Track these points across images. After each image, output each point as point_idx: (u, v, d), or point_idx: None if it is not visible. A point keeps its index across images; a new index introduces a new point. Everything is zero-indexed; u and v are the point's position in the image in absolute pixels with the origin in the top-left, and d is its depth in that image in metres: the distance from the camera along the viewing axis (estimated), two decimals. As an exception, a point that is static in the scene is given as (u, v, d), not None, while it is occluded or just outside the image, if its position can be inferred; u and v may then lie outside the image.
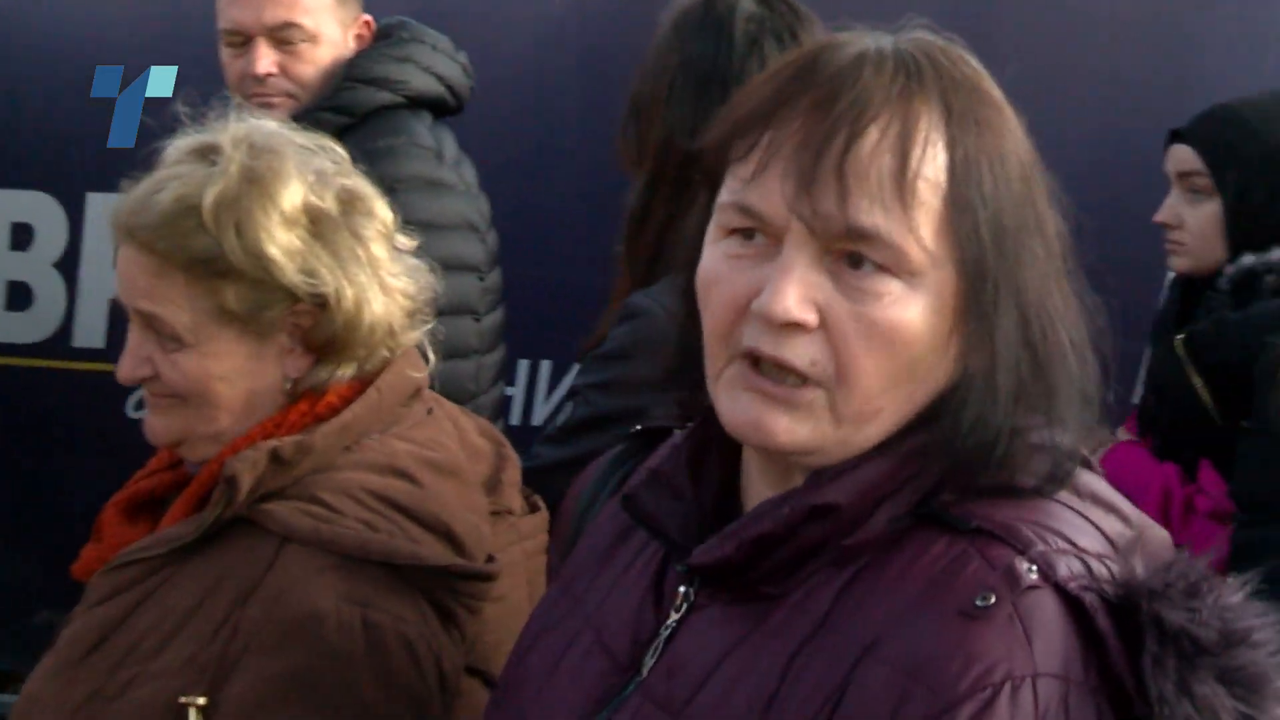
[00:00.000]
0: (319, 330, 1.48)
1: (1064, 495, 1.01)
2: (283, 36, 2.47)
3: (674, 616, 1.06)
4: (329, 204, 1.49)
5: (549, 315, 3.19)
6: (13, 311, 3.47)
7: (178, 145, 1.50)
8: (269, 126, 1.53)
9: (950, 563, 0.95)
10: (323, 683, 1.34)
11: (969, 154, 0.98)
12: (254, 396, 1.50)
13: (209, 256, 1.44)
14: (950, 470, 0.98)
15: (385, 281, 1.52)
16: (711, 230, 1.04)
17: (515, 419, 3.35)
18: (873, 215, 0.95)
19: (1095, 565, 0.95)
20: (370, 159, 2.32)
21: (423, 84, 2.52)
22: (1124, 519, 1.03)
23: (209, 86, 2.62)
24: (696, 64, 1.94)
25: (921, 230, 0.96)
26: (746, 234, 1.01)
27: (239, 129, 1.49)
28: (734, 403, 1.00)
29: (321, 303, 1.47)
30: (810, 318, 0.97)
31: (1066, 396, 1.00)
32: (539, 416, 3.41)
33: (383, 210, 1.55)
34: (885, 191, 0.96)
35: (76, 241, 3.36)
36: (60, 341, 3.48)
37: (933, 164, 0.97)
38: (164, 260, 1.45)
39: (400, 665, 1.37)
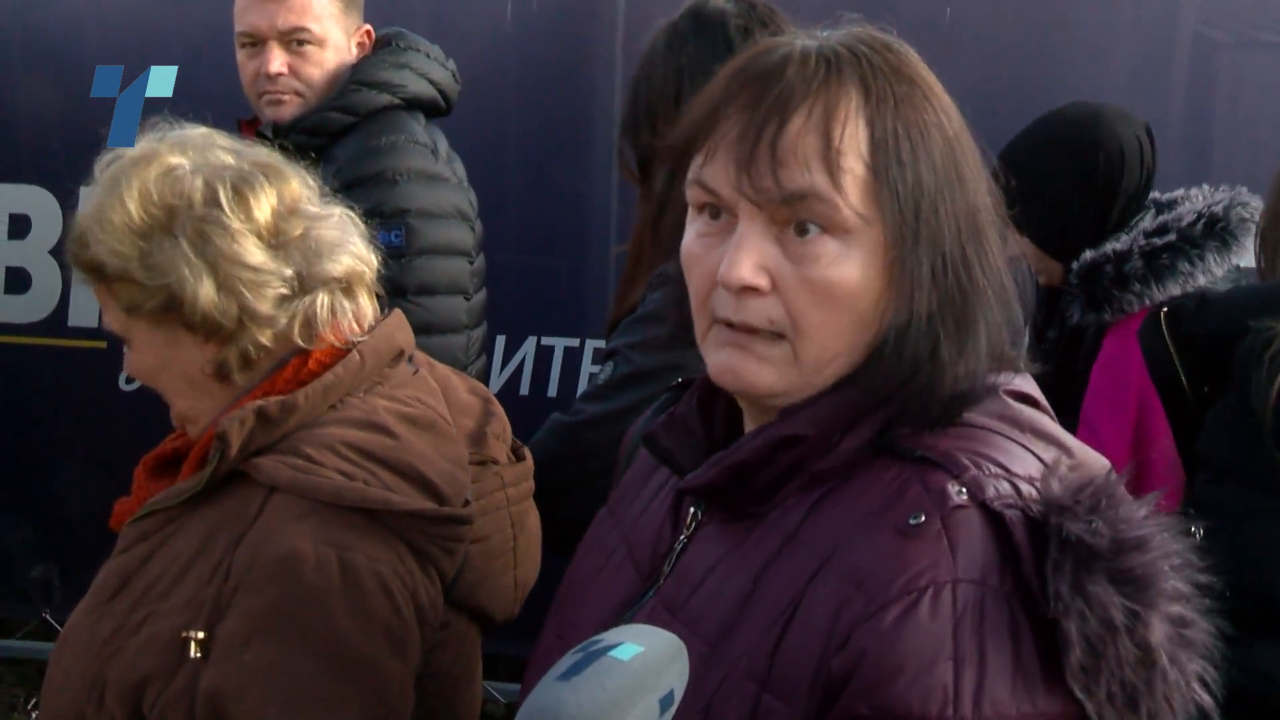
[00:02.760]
0: (187, 316, 1.49)
1: (1005, 428, 1.06)
2: (293, 39, 2.60)
3: (684, 534, 1.15)
4: (174, 202, 1.48)
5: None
6: (12, 294, 3.57)
7: None
8: (143, 141, 1.55)
9: (897, 487, 1.02)
10: (303, 617, 1.38)
11: (888, 129, 1.04)
12: (190, 380, 1.53)
13: (92, 265, 1.50)
14: (896, 403, 1.05)
15: (223, 271, 1.48)
16: (689, 210, 1.12)
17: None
18: (803, 179, 1.03)
19: (1024, 487, 1.00)
20: (375, 153, 2.52)
21: (418, 88, 2.65)
22: (1065, 449, 1.08)
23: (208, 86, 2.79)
24: (700, 65, 1.97)
25: (849, 193, 1.03)
26: (713, 212, 1.08)
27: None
28: (716, 357, 1.09)
29: (168, 293, 1.49)
30: (762, 282, 1.04)
31: (985, 335, 1.06)
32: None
33: (258, 203, 1.51)
34: (813, 163, 1.03)
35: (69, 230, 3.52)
36: (56, 321, 3.58)
37: (854, 139, 1.04)
38: (84, 273, 1.52)
39: (376, 601, 1.41)
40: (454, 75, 2.76)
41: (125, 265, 1.48)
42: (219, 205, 1.49)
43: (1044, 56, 3.30)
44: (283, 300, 1.51)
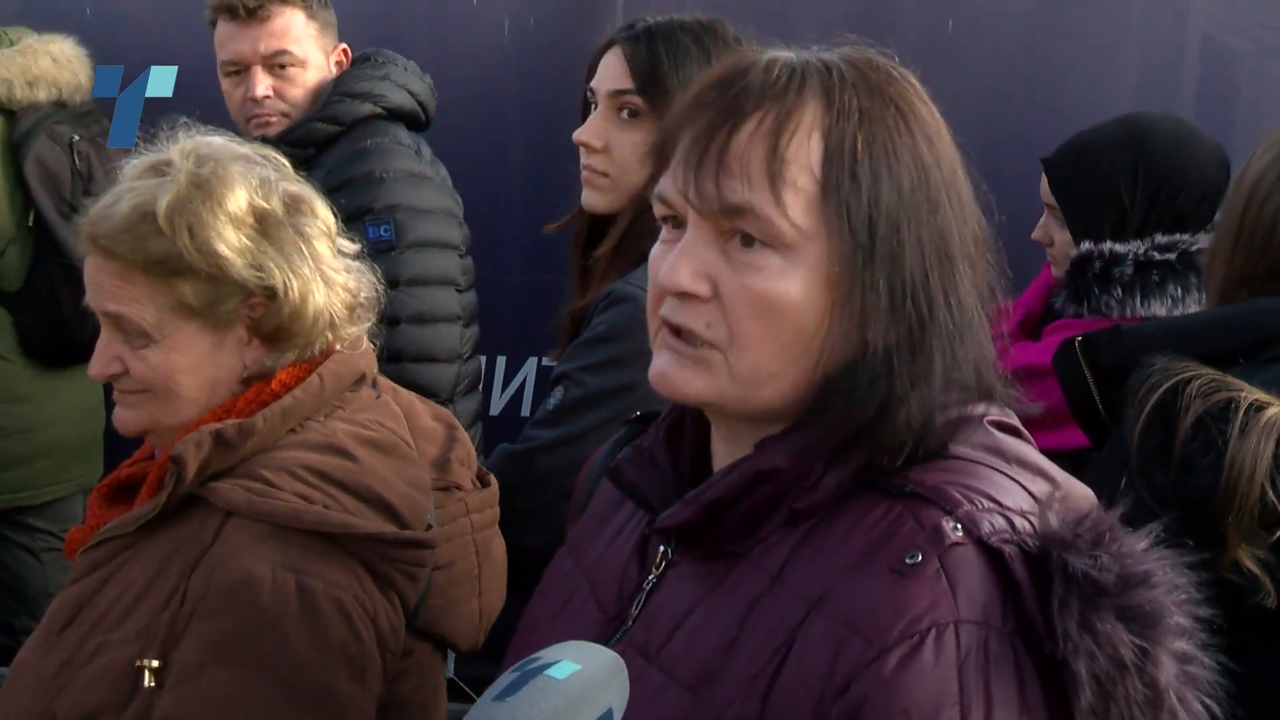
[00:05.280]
0: (268, 319, 1.50)
1: (992, 460, 1.03)
2: (276, 63, 2.68)
3: (654, 573, 1.10)
4: (273, 205, 1.51)
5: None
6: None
7: (133, 164, 1.54)
8: (215, 140, 1.56)
9: (888, 524, 0.98)
10: (260, 643, 1.36)
11: (845, 144, 1.00)
12: (215, 386, 1.51)
13: (166, 257, 1.46)
14: (867, 436, 1.01)
15: (327, 275, 1.54)
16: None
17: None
18: (742, 194, 1.00)
19: (1018, 521, 0.97)
20: (360, 156, 2.56)
21: (398, 98, 2.71)
22: (1050, 480, 1.05)
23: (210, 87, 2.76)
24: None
25: (790, 207, 1.00)
26: (675, 223, 1.06)
27: (187, 143, 1.53)
28: (655, 362, 1.06)
29: (271, 294, 1.49)
30: (702, 289, 1.02)
31: (945, 368, 1.02)
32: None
33: (324, 212, 1.58)
34: (755, 174, 1.00)
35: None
36: None
37: (805, 150, 1.00)
38: (126, 263, 1.47)
39: (334, 626, 1.39)
40: (431, 89, 2.82)
41: (218, 260, 1.46)
42: (303, 212, 1.54)
43: (1049, 66, 3.22)
44: (350, 310, 1.56)
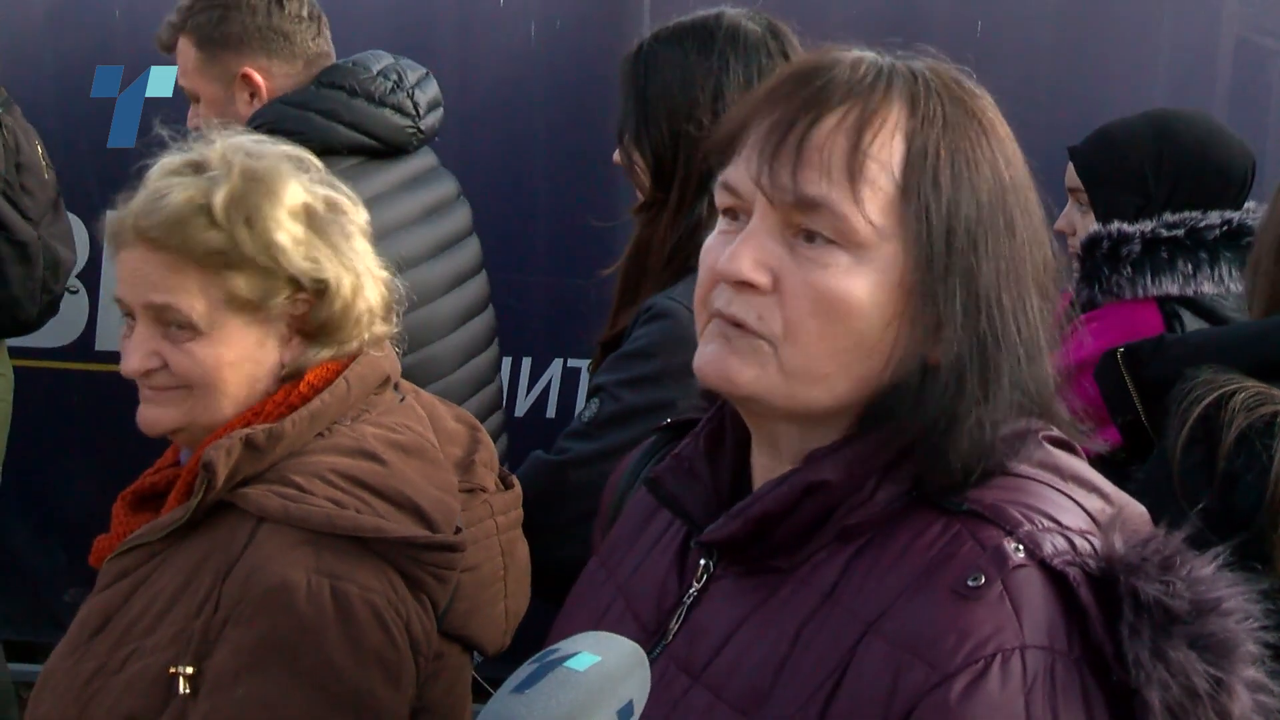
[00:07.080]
0: (314, 315, 1.50)
1: (1048, 477, 1.01)
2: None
3: (695, 587, 1.08)
4: (319, 203, 1.51)
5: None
6: (40, 319, 3.53)
7: (163, 162, 1.51)
8: (261, 137, 1.57)
9: (946, 544, 0.96)
10: (295, 649, 1.35)
11: (928, 149, 0.98)
12: (255, 383, 1.50)
13: (222, 249, 1.44)
14: (920, 452, 0.98)
15: (374, 272, 1.55)
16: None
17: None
18: (820, 186, 0.98)
19: (1079, 541, 0.95)
20: None
21: (324, 133, 2.30)
22: (1105, 497, 1.03)
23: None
24: (740, 82, 1.91)
25: (867, 205, 0.97)
26: (735, 215, 1.03)
27: (231, 140, 1.52)
28: (703, 350, 1.03)
29: (321, 290, 1.49)
30: (761, 279, 0.99)
31: (1009, 388, 0.99)
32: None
33: (358, 213, 1.57)
34: (835, 168, 0.98)
35: (97, 256, 3.44)
36: (84, 345, 3.56)
37: (886, 149, 0.98)
38: (177, 255, 1.45)
39: (369, 631, 1.38)
40: (402, 110, 2.40)
41: (276, 252, 1.46)
42: (343, 210, 1.54)
43: (1079, 69, 3.19)
44: (387, 308, 1.57)
